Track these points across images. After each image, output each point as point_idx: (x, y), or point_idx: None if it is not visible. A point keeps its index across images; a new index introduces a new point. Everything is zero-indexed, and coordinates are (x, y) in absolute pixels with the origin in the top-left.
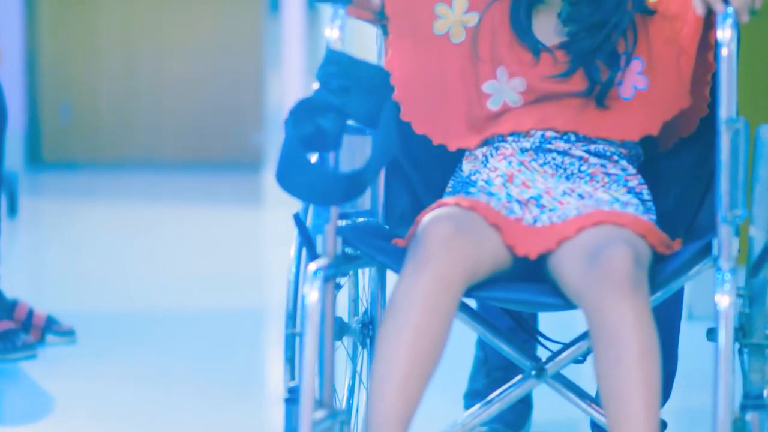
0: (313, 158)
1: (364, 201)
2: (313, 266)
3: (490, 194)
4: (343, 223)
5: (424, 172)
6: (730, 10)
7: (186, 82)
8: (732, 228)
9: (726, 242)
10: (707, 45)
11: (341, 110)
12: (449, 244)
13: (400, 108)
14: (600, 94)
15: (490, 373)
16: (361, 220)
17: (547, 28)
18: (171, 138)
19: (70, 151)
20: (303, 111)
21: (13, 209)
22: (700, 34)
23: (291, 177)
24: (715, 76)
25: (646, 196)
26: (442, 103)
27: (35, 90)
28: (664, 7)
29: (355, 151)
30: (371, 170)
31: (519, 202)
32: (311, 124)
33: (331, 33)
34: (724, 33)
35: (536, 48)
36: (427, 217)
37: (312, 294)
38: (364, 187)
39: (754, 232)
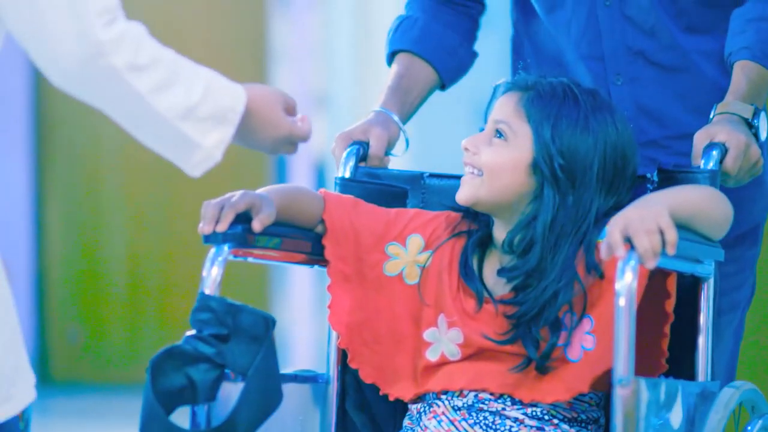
0: None
1: None
2: None
3: None
4: None
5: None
6: (632, 259)
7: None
8: None
9: None
10: (665, 293)
11: (215, 360)
12: None
13: (348, 355)
14: (540, 362)
15: None
16: None
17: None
18: None
19: (80, 371)
20: (172, 361)
21: None
22: (645, 282)
23: None
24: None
25: None
26: (390, 350)
27: (43, 311)
28: (612, 273)
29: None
30: (240, 424)
31: None
32: (181, 375)
33: (209, 273)
34: (624, 280)
35: (480, 296)
36: None
37: None
38: None
39: None
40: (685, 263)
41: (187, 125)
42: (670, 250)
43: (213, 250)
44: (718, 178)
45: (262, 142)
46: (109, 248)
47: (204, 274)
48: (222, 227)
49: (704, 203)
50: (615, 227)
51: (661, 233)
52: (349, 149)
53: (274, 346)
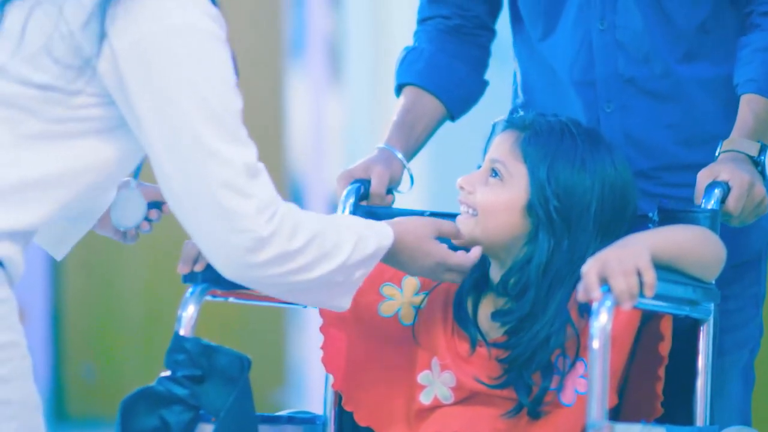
0: None
1: None
2: None
3: None
4: None
5: None
6: (608, 301)
7: None
8: None
9: None
10: (659, 335)
11: (189, 402)
12: None
13: (342, 397)
14: (531, 407)
15: None
16: None
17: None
18: None
19: (95, 408)
20: (145, 402)
21: None
22: (636, 324)
23: None
24: (670, 372)
25: None
26: (384, 392)
27: (59, 348)
28: None
29: None
30: None
31: None
32: (154, 417)
33: (184, 313)
34: (598, 322)
35: (474, 339)
36: None
37: None
38: None
39: None
40: (676, 305)
41: (336, 276)
42: (648, 292)
43: (190, 289)
44: (718, 218)
45: (416, 271)
46: (125, 286)
47: (180, 313)
48: (200, 267)
49: (690, 244)
50: (591, 268)
51: (639, 274)
52: (349, 188)
53: (248, 386)
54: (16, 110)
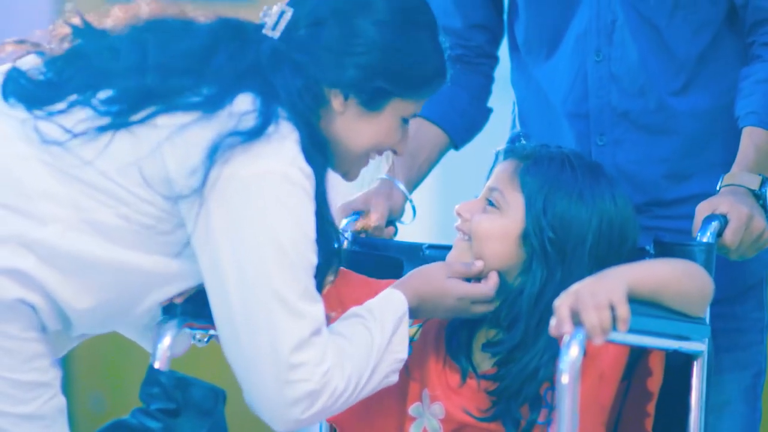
0: None
1: None
2: None
3: None
4: None
5: None
6: (579, 335)
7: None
8: None
9: None
10: (647, 370)
11: None
12: None
13: (336, 429)
14: None
15: None
16: None
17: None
18: None
19: None
20: None
21: None
22: (624, 359)
23: None
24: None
25: None
26: (377, 424)
27: (68, 377)
28: (593, 349)
29: None
30: None
31: None
32: None
33: (160, 345)
34: (568, 356)
35: (465, 371)
36: None
37: None
38: None
39: None
40: (662, 340)
41: (377, 377)
42: (621, 327)
43: (169, 322)
44: (713, 252)
45: (444, 314)
46: None
47: (155, 345)
48: (180, 299)
49: (673, 278)
50: (563, 302)
51: (613, 308)
52: (347, 219)
53: (223, 419)
54: (93, 197)
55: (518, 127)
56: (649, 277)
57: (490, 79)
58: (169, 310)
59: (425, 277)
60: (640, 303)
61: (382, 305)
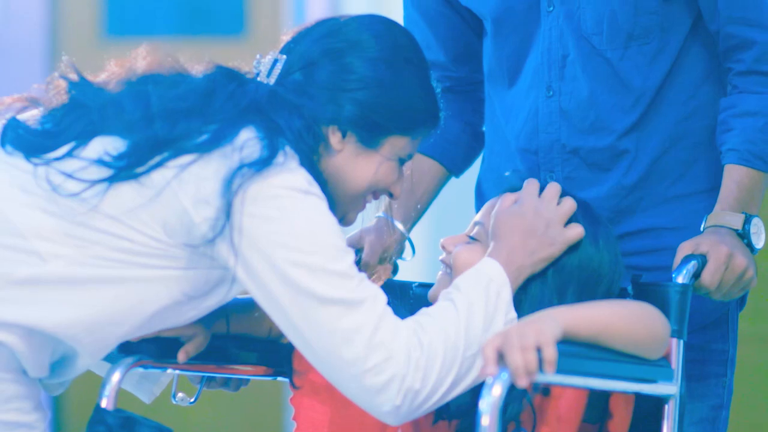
0: None
1: None
2: None
3: None
4: None
5: None
6: (503, 375)
7: None
8: None
9: None
10: (608, 413)
11: None
12: None
13: None
14: None
15: None
16: None
17: None
18: None
19: None
20: None
21: None
22: (583, 401)
23: None
24: None
25: None
26: None
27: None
28: (556, 391)
29: None
30: None
31: None
32: None
33: (108, 384)
34: (490, 397)
35: (437, 409)
36: None
37: None
38: None
39: None
40: (600, 380)
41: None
42: (548, 369)
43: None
44: (688, 293)
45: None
46: None
47: (103, 383)
48: (136, 338)
49: (619, 321)
50: (490, 343)
51: (540, 350)
52: None
53: None
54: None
55: (485, 161)
56: (589, 318)
57: (481, 103)
58: (124, 347)
59: (506, 230)
60: (580, 345)
61: (466, 276)
